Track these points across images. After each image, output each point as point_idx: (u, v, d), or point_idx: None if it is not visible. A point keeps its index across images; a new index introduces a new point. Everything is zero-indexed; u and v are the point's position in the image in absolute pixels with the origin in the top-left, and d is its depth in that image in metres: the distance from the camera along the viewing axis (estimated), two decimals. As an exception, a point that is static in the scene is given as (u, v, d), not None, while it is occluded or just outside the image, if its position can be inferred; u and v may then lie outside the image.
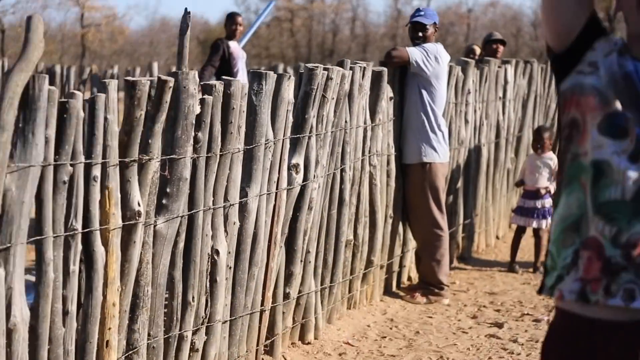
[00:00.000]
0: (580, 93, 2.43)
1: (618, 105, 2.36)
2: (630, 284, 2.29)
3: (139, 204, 4.08)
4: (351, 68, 6.35)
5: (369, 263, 6.72)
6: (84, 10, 44.22)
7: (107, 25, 44.14)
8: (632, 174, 2.32)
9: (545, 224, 8.19)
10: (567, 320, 2.42)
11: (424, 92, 7.12)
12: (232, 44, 10.73)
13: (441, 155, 7.22)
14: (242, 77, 10.07)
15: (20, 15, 40.26)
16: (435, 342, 6.22)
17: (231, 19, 11.11)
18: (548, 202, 8.12)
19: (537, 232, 8.33)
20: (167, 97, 4.18)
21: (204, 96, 4.58)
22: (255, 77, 5.11)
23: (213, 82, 4.77)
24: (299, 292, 5.72)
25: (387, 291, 7.18)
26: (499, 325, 6.58)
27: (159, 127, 4.18)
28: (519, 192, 9.07)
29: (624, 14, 2.47)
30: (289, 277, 5.57)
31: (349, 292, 6.51)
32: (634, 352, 2.32)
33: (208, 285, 4.73)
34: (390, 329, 6.42)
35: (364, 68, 6.48)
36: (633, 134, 2.34)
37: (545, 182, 8.17)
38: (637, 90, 2.38)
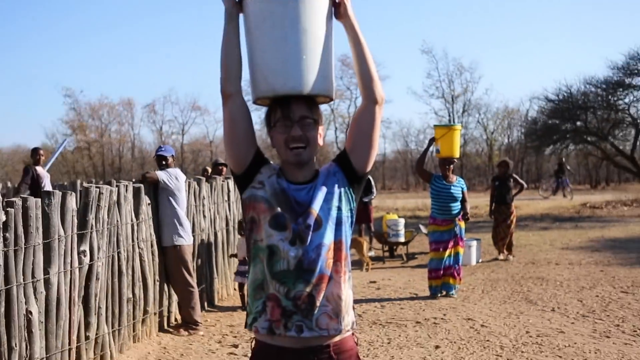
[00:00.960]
0: (255, 201, 2.50)
1: (279, 209, 2.45)
2: (299, 322, 2.40)
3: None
4: (117, 185, 6.45)
5: (145, 311, 6.63)
6: None
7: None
8: (292, 253, 2.41)
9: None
10: (262, 346, 2.50)
11: (171, 199, 7.15)
12: (39, 168, 10.43)
13: (187, 239, 7.24)
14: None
15: None
16: None
17: (35, 152, 10.85)
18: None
19: (243, 287, 8.26)
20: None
21: (8, 208, 4.59)
22: (45, 194, 5.12)
23: (14, 199, 4.74)
24: (96, 334, 5.61)
25: (161, 329, 7.06)
26: (235, 346, 6.57)
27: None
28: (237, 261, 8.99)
29: (277, 149, 2.52)
30: (87, 325, 5.47)
31: (134, 331, 6.39)
32: None
33: (26, 335, 4.63)
34: (164, 354, 6.32)
35: (126, 185, 6.54)
36: (290, 227, 2.43)
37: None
38: (290, 200, 2.47)
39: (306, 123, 2.49)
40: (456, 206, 8.92)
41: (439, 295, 8.87)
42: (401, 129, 53.26)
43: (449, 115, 49.57)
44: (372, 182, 13.89)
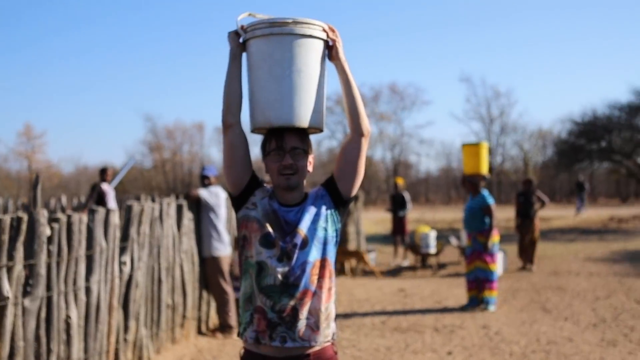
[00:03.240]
0: (248, 220, 2.52)
1: (269, 228, 2.47)
2: (283, 333, 2.42)
3: (7, 292, 4.06)
4: (160, 202, 6.48)
5: (184, 316, 6.61)
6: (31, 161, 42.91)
7: (47, 170, 42.80)
8: (279, 269, 2.43)
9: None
10: (250, 354, 2.51)
11: (211, 214, 7.10)
12: (104, 186, 10.52)
13: (224, 251, 7.15)
14: (113, 206, 9.97)
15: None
16: None
17: (102, 171, 10.92)
18: None
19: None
20: (24, 225, 4.22)
21: (52, 224, 4.63)
22: (91, 212, 5.17)
23: (59, 215, 4.77)
24: (135, 337, 5.60)
25: (199, 332, 7.01)
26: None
27: (20, 244, 4.19)
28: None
29: (270, 175, 2.55)
30: (126, 328, 5.47)
31: (172, 334, 6.35)
32: None
33: (65, 338, 4.65)
34: (198, 356, 6.23)
35: (169, 202, 6.58)
36: (278, 246, 2.45)
37: None
38: (280, 220, 2.49)
39: (297, 153, 2.52)
40: (474, 221, 8.46)
41: (469, 307, 8.37)
42: (444, 148, 52.49)
43: (488, 136, 48.86)
44: (407, 198, 13.71)
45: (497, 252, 8.50)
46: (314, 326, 2.45)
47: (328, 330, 2.51)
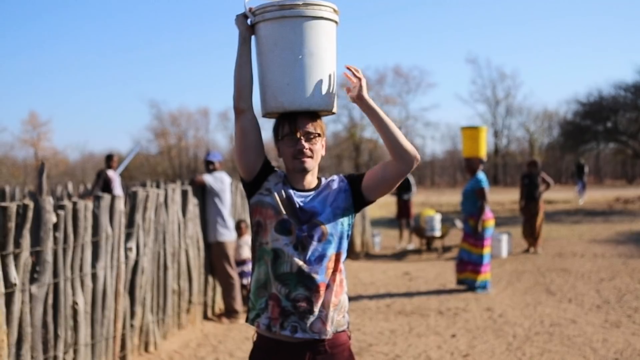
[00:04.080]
0: (262, 206, 2.48)
1: (285, 214, 2.44)
2: (295, 323, 2.40)
3: (14, 279, 4.10)
4: (165, 188, 6.52)
5: (190, 301, 6.65)
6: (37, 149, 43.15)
7: (53, 157, 42.95)
8: (296, 257, 2.40)
9: (248, 281, 7.38)
10: (263, 339, 2.50)
11: (216, 200, 7.14)
12: (110, 172, 10.53)
13: (229, 236, 7.17)
14: (119, 193, 10.02)
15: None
16: (231, 347, 6.15)
17: (108, 158, 10.90)
18: (247, 267, 7.54)
19: (246, 287, 7.39)
20: (30, 213, 4.25)
21: (58, 210, 4.66)
22: (96, 198, 5.20)
23: (64, 202, 4.81)
24: (141, 323, 5.65)
25: (205, 317, 7.06)
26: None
27: (26, 231, 4.23)
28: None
29: (284, 159, 2.52)
30: (133, 314, 5.51)
31: (179, 319, 6.40)
32: (298, 357, 2.44)
33: (72, 323, 4.71)
34: (204, 340, 6.30)
35: (174, 188, 6.61)
36: (294, 232, 2.42)
37: (247, 254, 7.56)
38: (294, 206, 2.45)
39: (311, 137, 2.49)
40: (467, 203, 8.47)
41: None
42: (449, 130, 52.35)
43: (493, 118, 48.68)
44: (411, 181, 13.72)
45: (488, 236, 8.43)
46: (326, 319, 2.44)
47: (343, 320, 2.52)
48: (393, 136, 2.42)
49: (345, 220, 2.51)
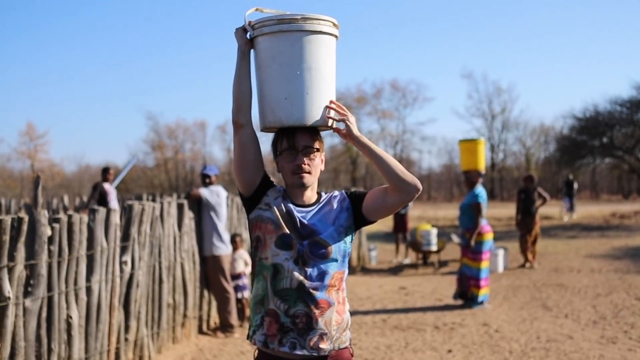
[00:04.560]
0: (261, 221, 2.46)
1: (286, 229, 2.42)
2: (294, 339, 2.38)
3: (8, 292, 4.07)
4: (160, 202, 6.50)
5: (185, 315, 6.61)
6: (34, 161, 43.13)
7: (49, 169, 42.92)
8: (296, 272, 2.38)
9: (242, 295, 7.41)
10: (264, 356, 2.46)
11: (212, 213, 7.11)
12: (106, 185, 10.54)
13: (225, 250, 7.14)
14: (115, 206, 10.00)
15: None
16: None
17: (104, 171, 10.93)
18: (242, 281, 7.40)
19: (241, 301, 7.41)
20: (24, 226, 4.23)
21: (53, 224, 4.64)
22: (91, 211, 5.19)
23: (60, 215, 4.79)
24: (136, 337, 5.61)
25: (200, 331, 7.00)
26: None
27: (21, 244, 4.20)
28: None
29: (282, 174, 2.51)
30: (127, 328, 5.48)
31: (173, 333, 6.35)
32: None
33: (66, 337, 4.67)
34: (199, 355, 6.24)
35: (170, 202, 6.59)
36: (295, 247, 2.40)
37: (242, 267, 7.48)
38: (295, 221, 2.44)
39: (309, 152, 2.47)
40: (464, 217, 8.42)
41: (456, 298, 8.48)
42: (446, 144, 52.50)
43: (489, 132, 48.79)
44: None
45: (485, 250, 8.35)
46: (326, 337, 2.41)
47: (345, 336, 2.50)
48: (390, 169, 2.40)
49: (348, 239, 2.51)
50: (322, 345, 2.40)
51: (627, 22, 64.53)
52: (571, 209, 23.23)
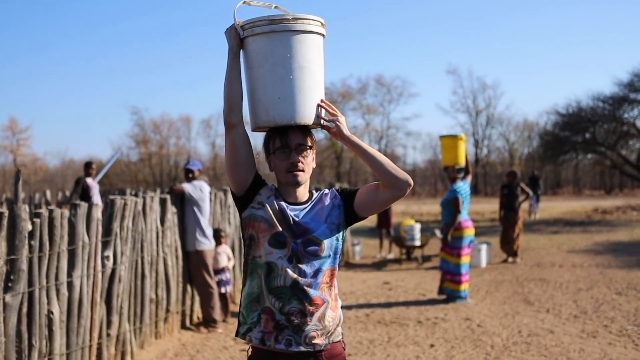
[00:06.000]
0: (255, 220, 2.47)
1: (279, 228, 2.43)
2: (289, 336, 2.40)
3: (-12, 287, 4.04)
4: (143, 196, 6.46)
5: (168, 310, 6.59)
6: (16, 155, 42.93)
7: (32, 164, 42.59)
8: (290, 271, 2.40)
9: (230, 289, 7.56)
10: (259, 352, 2.48)
11: (195, 208, 7.08)
12: (89, 180, 10.47)
13: (208, 245, 7.13)
14: (97, 201, 9.94)
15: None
16: (209, 356, 6.09)
17: (87, 165, 10.84)
18: (224, 275, 7.48)
19: (224, 295, 7.42)
20: (4, 220, 4.19)
21: (34, 218, 4.60)
22: (73, 206, 5.15)
23: (41, 210, 4.76)
24: (118, 332, 5.59)
25: (183, 327, 6.99)
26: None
27: (1, 239, 4.17)
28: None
29: (276, 173, 2.51)
30: (109, 323, 5.45)
31: (156, 329, 6.33)
32: None
33: (47, 333, 4.64)
34: (182, 350, 6.24)
35: (152, 197, 6.56)
36: (289, 246, 2.42)
37: (225, 262, 7.53)
38: (288, 219, 2.45)
39: (302, 150, 2.49)
40: (443, 212, 8.48)
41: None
42: (430, 140, 52.67)
43: (474, 128, 49.02)
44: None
45: (464, 245, 8.37)
46: (321, 333, 2.45)
47: (337, 330, 2.54)
48: (382, 166, 2.44)
49: (339, 236, 2.53)
50: (317, 341, 2.44)
51: (610, 20, 65.13)
52: (534, 205, 22.00)
